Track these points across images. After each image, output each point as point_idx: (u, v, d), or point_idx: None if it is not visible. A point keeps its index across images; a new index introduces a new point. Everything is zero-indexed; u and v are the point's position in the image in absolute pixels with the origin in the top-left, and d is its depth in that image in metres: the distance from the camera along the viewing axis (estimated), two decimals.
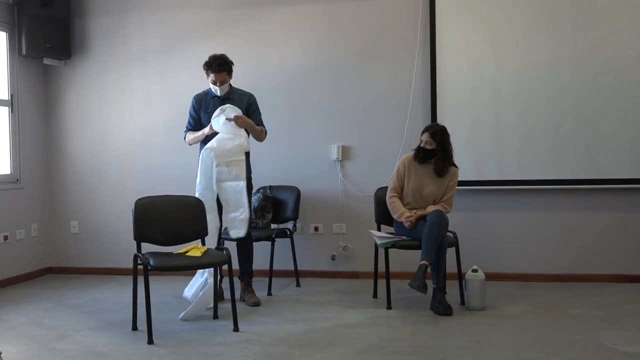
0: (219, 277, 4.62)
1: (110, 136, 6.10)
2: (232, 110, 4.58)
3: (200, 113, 4.81)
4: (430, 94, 5.48)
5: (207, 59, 4.68)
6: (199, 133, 4.75)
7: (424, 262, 4.39)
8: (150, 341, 3.84)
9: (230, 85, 4.77)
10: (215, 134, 4.63)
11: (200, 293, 4.47)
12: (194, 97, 4.86)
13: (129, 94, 6.06)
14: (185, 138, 4.89)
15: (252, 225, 5.22)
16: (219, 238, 4.76)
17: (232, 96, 4.78)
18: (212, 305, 4.43)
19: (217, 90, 4.70)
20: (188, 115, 4.87)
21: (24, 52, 5.72)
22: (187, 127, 4.88)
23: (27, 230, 5.93)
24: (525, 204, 5.48)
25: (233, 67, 4.73)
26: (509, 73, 5.38)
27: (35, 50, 5.76)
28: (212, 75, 4.65)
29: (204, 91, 4.84)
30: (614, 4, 5.25)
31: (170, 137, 5.92)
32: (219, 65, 4.63)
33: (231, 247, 4.60)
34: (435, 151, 4.69)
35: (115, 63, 6.07)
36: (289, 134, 5.71)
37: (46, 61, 5.95)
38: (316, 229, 5.78)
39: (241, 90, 4.87)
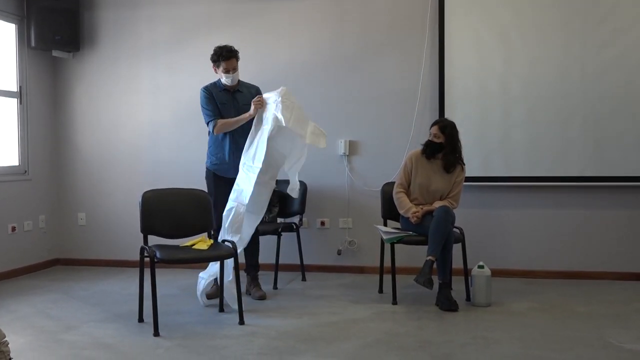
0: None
1: (118, 129, 6.12)
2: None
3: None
4: (439, 90, 5.47)
5: (213, 52, 4.67)
6: (244, 115, 4.58)
7: (430, 257, 4.39)
8: (156, 333, 3.86)
9: (238, 79, 4.77)
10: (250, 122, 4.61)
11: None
12: (204, 89, 4.75)
13: (138, 87, 6.07)
14: (213, 129, 4.63)
15: None
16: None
17: (240, 89, 4.78)
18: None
19: (229, 78, 4.66)
20: (203, 108, 4.70)
21: (32, 44, 5.74)
22: (210, 117, 4.66)
23: (35, 221, 5.96)
24: (532, 201, 5.47)
25: (239, 57, 4.72)
26: (518, 69, 5.36)
27: (44, 43, 5.77)
28: (223, 64, 4.63)
29: (211, 83, 4.80)
30: (623, 1, 5.21)
31: (178, 130, 5.94)
32: (229, 52, 4.64)
33: None
34: (443, 145, 4.68)
35: (124, 56, 6.08)
36: None
37: (55, 53, 5.96)
38: (322, 223, 5.78)
39: (247, 83, 4.87)
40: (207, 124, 4.71)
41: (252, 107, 4.57)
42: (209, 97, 4.71)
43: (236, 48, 4.72)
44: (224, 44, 4.71)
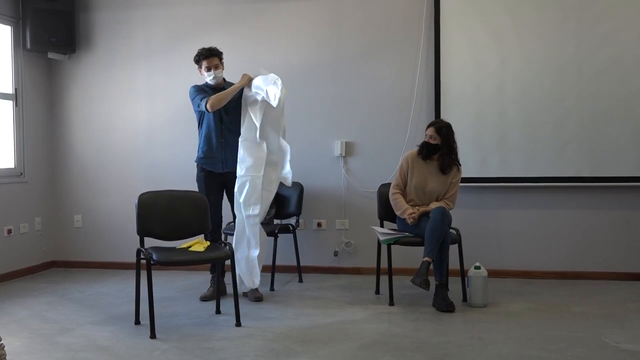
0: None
1: (114, 131, 6.11)
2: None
3: None
4: (434, 91, 5.47)
5: (195, 55, 4.74)
6: (227, 90, 4.65)
7: (426, 258, 4.39)
8: (153, 335, 3.85)
9: (223, 78, 4.78)
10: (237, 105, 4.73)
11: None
12: (194, 85, 4.80)
13: (133, 88, 6.06)
14: (208, 104, 4.57)
15: None
16: (221, 233, 4.79)
17: (226, 87, 4.79)
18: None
19: (211, 76, 4.68)
20: (194, 98, 4.71)
21: (28, 46, 5.73)
22: (202, 97, 4.66)
23: (31, 224, 5.95)
24: (528, 201, 5.47)
25: (223, 57, 4.76)
26: (513, 70, 5.37)
27: (39, 45, 5.76)
28: (204, 63, 4.68)
29: (202, 84, 4.83)
30: (618, 1, 5.23)
31: (174, 131, 5.94)
32: (208, 50, 4.70)
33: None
34: (439, 147, 4.69)
35: (119, 58, 6.07)
36: (292, 130, 5.65)
37: (50, 55, 5.95)
38: (319, 224, 5.78)
39: (234, 83, 4.86)
40: (200, 104, 4.65)
41: (242, 78, 4.69)
42: (200, 89, 4.76)
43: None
44: (214, 45, 4.76)
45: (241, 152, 4.62)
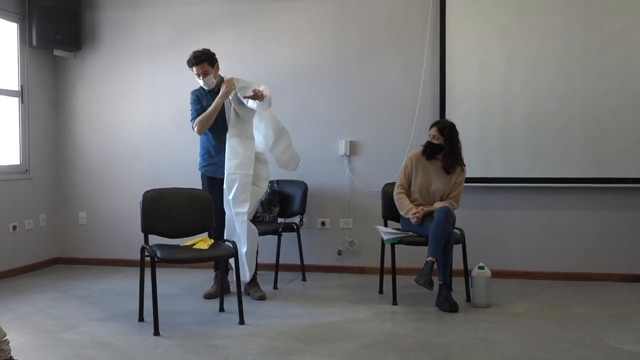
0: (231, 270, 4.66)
1: (119, 128, 6.12)
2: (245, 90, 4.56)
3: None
4: (439, 90, 5.47)
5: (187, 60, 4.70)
6: (210, 108, 4.61)
7: (430, 258, 4.39)
8: (157, 332, 3.87)
9: (220, 77, 4.74)
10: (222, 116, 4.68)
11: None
12: (192, 92, 4.79)
13: (138, 86, 6.08)
14: (194, 127, 4.68)
15: (258, 219, 5.26)
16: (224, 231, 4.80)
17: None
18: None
19: (201, 82, 4.66)
20: (191, 108, 4.75)
21: (34, 43, 5.75)
22: (193, 117, 4.72)
23: (36, 220, 5.97)
24: (532, 202, 5.47)
25: (215, 58, 4.68)
26: (518, 70, 5.36)
27: (45, 42, 5.78)
28: (193, 69, 4.64)
29: (200, 87, 4.81)
30: (624, 3, 5.22)
31: (178, 130, 5.94)
32: (195, 58, 4.61)
33: None
34: (442, 146, 4.69)
35: (124, 55, 6.09)
36: (297, 129, 5.68)
37: (56, 53, 5.97)
38: (323, 223, 5.79)
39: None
40: (191, 124, 4.72)
41: (223, 88, 4.61)
42: (195, 99, 4.76)
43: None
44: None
45: (229, 150, 4.60)
